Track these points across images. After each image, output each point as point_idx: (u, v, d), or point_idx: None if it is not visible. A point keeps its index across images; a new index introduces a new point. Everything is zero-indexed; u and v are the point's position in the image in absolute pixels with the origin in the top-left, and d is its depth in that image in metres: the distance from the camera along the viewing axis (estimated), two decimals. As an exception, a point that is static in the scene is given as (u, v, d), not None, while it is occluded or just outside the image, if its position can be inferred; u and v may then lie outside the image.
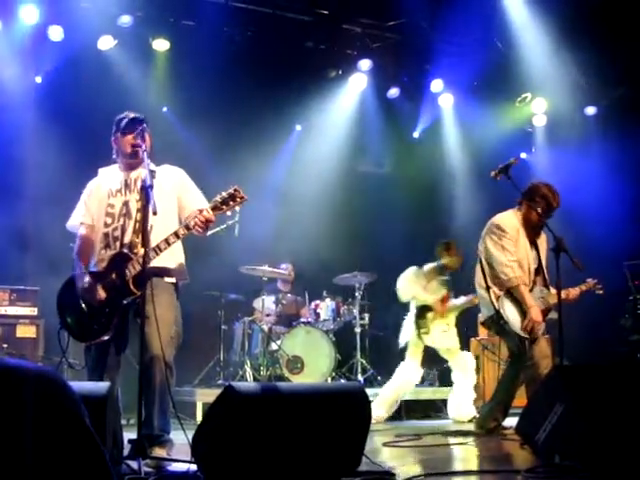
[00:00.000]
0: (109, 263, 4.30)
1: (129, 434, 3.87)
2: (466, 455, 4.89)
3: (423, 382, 8.35)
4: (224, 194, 4.14)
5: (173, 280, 4.40)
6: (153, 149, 4.41)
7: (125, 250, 4.29)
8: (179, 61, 7.97)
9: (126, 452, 3.79)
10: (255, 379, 7.39)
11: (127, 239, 4.33)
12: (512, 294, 5.54)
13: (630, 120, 8.45)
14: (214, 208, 4.15)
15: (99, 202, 4.46)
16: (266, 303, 8.00)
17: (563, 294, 5.47)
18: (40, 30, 7.37)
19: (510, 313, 5.50)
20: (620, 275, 8.26)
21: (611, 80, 8.81)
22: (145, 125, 4.36)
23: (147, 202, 3.85)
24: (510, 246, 5.58)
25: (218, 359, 7.95)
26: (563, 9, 7.65)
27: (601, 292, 5.95)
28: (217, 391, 3.70)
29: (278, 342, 7.62)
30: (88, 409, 2.24)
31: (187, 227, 4.17)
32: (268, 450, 3.45)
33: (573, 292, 5.81)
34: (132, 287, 4.19)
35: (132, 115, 4.45)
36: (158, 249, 4.17)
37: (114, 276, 4.24)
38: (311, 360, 7.35)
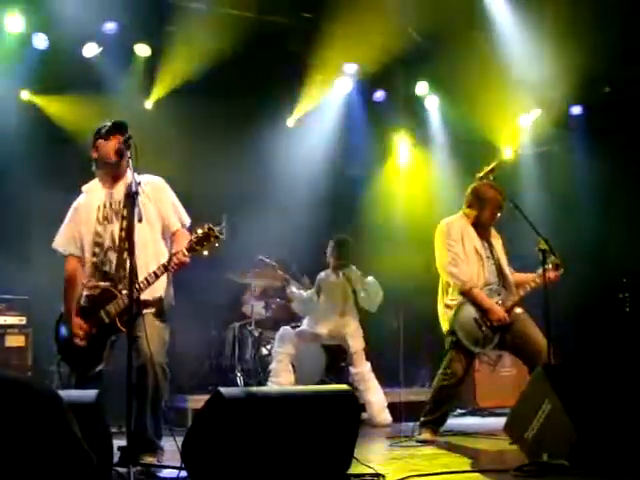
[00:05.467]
0: (96, 299, 4.35)
1: (119, 441, 3.88)
2: (455, 455, 4.91)
3: (414, 383, 8.42)
4: (199, 233, 4.20)
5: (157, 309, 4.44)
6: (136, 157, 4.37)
7: (111, 287, 4.33)
8: (163, 66, 7.98)
9: (116, 459, 3.80)
10: (246, 384, 7.38)
11: (113, 272, 4.36)
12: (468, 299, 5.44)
13: (615, 119, 8.49)
14: (189, 249, 4.21)
15: (87, 230, 4.47)
16: (255, 308, 8.01)
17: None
18: (24, 38, 7.37)
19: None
20: (607, 273, 8.31)
21: (596, 79, 8.84)
22: (129, 133, 4.32)
23: (132, 209, 3.87)
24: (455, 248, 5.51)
25: (209, 365, 7.95)
26: (547, 8, 7.69)
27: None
28: (208, 397, 3.71)
29: (268, 347, 7.63)
30: (77, 416, 2.25)
31: (165, 267, 4.24)
32: (258, 455, 3.47)
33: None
34: (119, 324, 4.27)
35: (109, 123, 4.42)
36: (143, 283, 4.22)
37: (101, 313, 4.31)
38: (302, 364, 7.34)
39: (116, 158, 4.35)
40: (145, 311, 4.27)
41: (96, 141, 4.47)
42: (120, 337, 4.38)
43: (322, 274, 7.31)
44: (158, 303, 4.42)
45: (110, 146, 4.37)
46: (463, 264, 5.45)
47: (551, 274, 5.37)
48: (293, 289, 7.33)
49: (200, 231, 4.21)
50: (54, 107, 7.86)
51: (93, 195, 4.54)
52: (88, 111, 7.55)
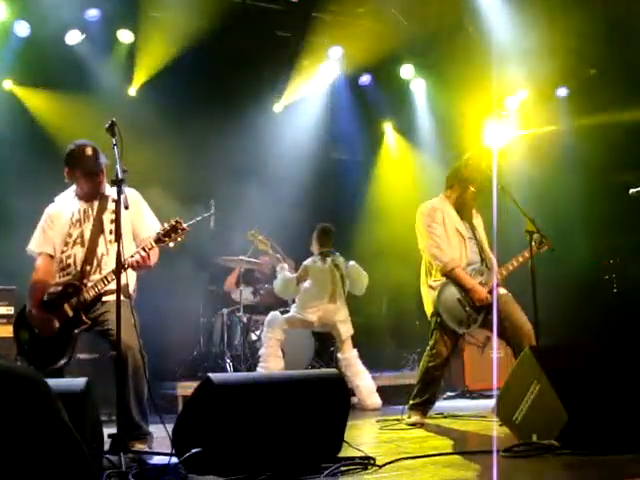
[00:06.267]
0: (60, 293, 4.44)
1: (109, 429, 3.88)
2: (444, 437, 4.93)
3: (402, 367, 8.46)
4: (166, 226, 4.34)
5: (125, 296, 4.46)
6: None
7: (76, 281, 4.43)
8: (146, 52, 7.94)
9: (107, 447, 3.80)
10: (235, 370, 7.39)
11: (78, 267, 4.48)
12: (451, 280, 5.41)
13: (600, 101, 8.51)
14: (157, 240, 4.35)
15: (60, 232, 4.60)
16: (244, 294, 8.01)
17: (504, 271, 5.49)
18: (5, 26, 7.31)
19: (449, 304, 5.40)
20: (591, 252, 8.36)
21: (582, 61, 8.87)
22: (102, 161, 4.47)
23: (119, 196, 3.91)
24: (437, 230, 5.49)
25: (198, 352, 7.95)
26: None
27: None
28: (197, 383, 3.72)
29: (257, 332, 7.64)
30: (66, 405, 2.24)
31: (134, 259, 4.35)
32: (248, 439, 3.48)
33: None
34: (83, 317, 4.37)
35: (89, 151, 4.52)
36: (106, 280, 4.34)
37: (66, 306, 4.39)
38: (291, 349, 7.35)
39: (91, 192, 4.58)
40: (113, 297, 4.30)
41: (72, 168, 4.59)
42: (91, 331, 4.47)
43: (309, 260, 7.29)
44: (125, 290, 4.44)
45: (85, 181, 4.58)
46: (445, 245, 5.45)
47: (534, 249, 5.37)
48: (285, 266, 7.32)
49: (167, 224, 4.35)
50: (36, 100, 7.81)
51: (66, 203, 4.71)
52: (71, 103, 7.53)
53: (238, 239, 7.99)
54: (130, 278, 4.53)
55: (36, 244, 4.69)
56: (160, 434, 4.19)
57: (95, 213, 4.57)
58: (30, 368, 4.29)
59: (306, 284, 7.23)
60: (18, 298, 6.67)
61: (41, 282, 4.57)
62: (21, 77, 7.71)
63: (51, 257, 4.63)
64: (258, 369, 6.97)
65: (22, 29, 7.34)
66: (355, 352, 7.19)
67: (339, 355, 7.21)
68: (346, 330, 7.20)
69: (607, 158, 8.37)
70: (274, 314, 7.27)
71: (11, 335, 6.48)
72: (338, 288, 7.23)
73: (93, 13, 7.49)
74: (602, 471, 3.47)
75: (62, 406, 2.15)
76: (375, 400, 6.98)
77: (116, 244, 4.14)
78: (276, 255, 7.41)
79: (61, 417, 2.11)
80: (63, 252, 4.56)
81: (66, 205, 4.69)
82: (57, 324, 4.38)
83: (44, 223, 4.70)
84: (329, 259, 7.24)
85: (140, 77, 8.20)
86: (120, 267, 3.93)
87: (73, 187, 4.73)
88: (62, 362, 4.38)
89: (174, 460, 3.55)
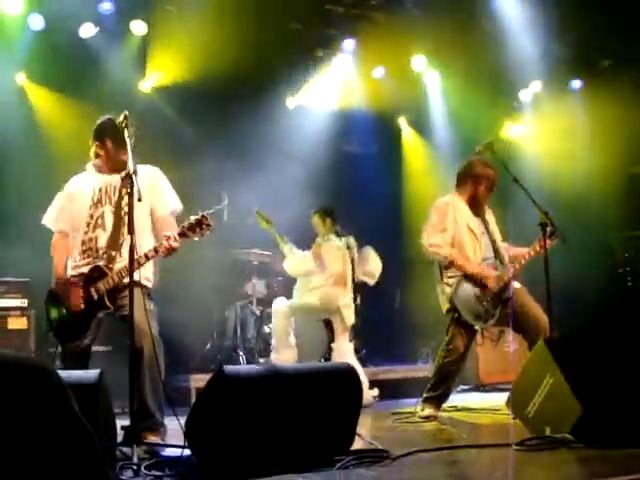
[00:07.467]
0: (87, 276, 4.44)
1: (122, 421, 3.89)
2: (457, 430, 4.93)
3: (416, 360, 8.44)
4: (192, 220, 4.33)
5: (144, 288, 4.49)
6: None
7: (102, 264, 4.42)
8: (159, 46, 7.95)
9: (120, 439, 3.82)
10: (248, 363, 7.40)
11: (101, 251, 4.47)
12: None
13: (615, 92, 8.46)
14: (181, 234, 4.33)
15: (80, 210, 4.58)
16: (257, 287, 8.00)
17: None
18: (21, 20, 7.34)
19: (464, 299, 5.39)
20: (605, 245, 8.33)
21: (596, 52, 8.81)
22: (126, 112, 4.40)
23: (131, 189, 3.92)
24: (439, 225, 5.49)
25: (211, 344, 7.96)
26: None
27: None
28: (210, 376, 3.72)
29: (270, 325, 7.63)
30: (79, 396, 2.25)
31: (156, 250, 4.33)
32: (261, 432, 3.48)
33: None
34: (107, 301, 4.38)
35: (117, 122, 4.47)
36: (137, 262, 4.24)
37: (91, 289, 4.41)
38: (304, 342, 7.35)
39: (120, 164, 4.46)
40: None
41: (104, 138, 4.58)
42: (109, 317, 4.49)
43: (320, 239, 7.03)
44: (145, 281, 4.50)
45: (119, 152, 4.50)
46: (443, 240, 5.44)
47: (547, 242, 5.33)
48: (291, 246, 7.12)
49: (193, 218, 4.34)
50: (46, 95, 7.82)
51: (86, 180, 4.67)
52: (83, 96, 7.54)
53: (251, 231, 7.98)
54: (149, 265, 4.54)
55: (49, 219, 4.71)
56: (173, 426, 4.20)
57: (116, 197, 4.52)
58: (42, 360, 4.32)
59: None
60: (32, 291, 6.71)
61: (60, 257, 4.62)
62: (34, 71, 7.71)
63: (66, 235, 4.64)
64: (270, 359, 6.94)
65: (36, 22, 7.35)
66: (351, 346, 6.93)
67: (332, 345, 6.92)
68: (349, 317, 6.87)
69: (622, 150, 8.33)
70: (278, 302, 7.15)
71: (26, 327, 6.60)
72: (347, 270, 6.93)
73: (107, 6, 7.49)
74: (616, 465, 3.45)
75: (73, 396, 2.16)
76: (367, 396, 6.28)
77: (139, 229, 4.16)
78: (281, 235, 7.26)
79: (71, 407, 2.12)
80: (85, 233, 4.52)
81: (86, 182, 4.65)
82: (82, 304, 4.40)
83: (62, 199, 4.69)
84: (344, 239, 7.00)
85: (153, 72, 8.20)
86: (133, 261, 3.94)
87: (90, 164, 4.71)
88: (86, 340, 4.41)
89: (187, 452, 3.56)
